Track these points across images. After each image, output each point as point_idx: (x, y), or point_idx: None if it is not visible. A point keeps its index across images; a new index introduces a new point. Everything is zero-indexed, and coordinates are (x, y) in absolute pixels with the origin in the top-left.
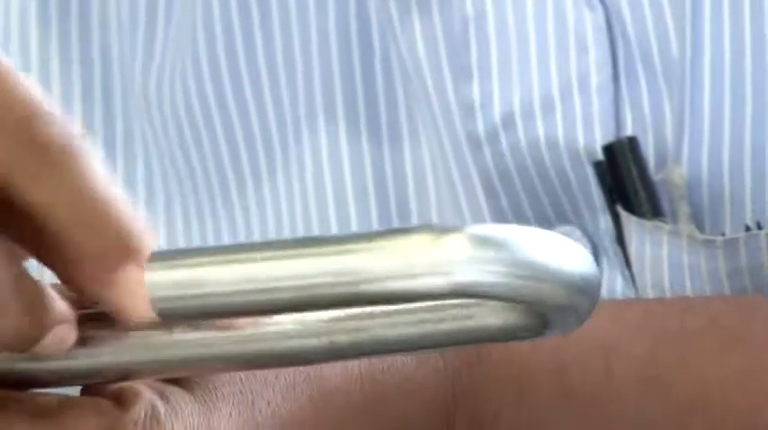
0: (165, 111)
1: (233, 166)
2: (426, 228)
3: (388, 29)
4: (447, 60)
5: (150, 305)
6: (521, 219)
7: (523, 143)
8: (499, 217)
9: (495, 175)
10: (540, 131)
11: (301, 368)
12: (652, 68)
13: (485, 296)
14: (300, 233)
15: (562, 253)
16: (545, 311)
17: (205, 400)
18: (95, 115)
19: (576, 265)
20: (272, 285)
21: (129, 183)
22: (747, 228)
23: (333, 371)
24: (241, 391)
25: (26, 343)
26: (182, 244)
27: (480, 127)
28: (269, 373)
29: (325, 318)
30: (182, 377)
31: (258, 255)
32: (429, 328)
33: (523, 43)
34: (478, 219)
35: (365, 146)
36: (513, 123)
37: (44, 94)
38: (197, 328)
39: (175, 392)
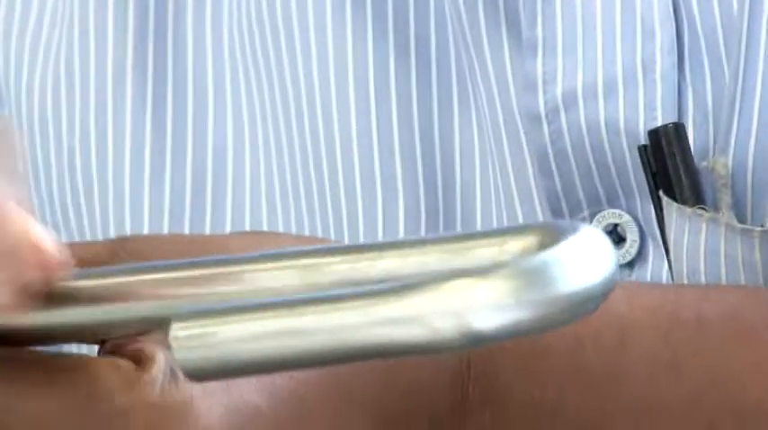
0: None
1: None
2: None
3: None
4: (507, 35)
5: None
6: (572, 199)
7: (583, 123)
8: (550, 195)
9: (551, 154)
10: (602, 113)
11: None
12: (717, 56)
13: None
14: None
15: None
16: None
17: None
18: None
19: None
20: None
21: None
22: None
23: None
24: None
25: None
26: None
27: (541, 103)
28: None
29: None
30: None
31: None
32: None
33: (590, 23)
34: (527, 197)
35: (415, 110)
36: (575, 102)
37: None
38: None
39: None
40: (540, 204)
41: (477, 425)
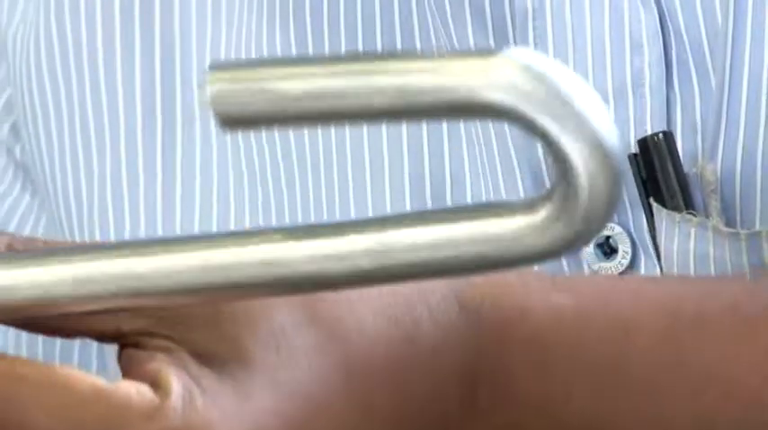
0: None
1: None
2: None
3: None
4: None
5: None
6: None
7: None
8: None
9: (544, 169)
10: None
11: (327, 331)
12: (704, 67)
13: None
14: None
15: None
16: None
17: (238, 383)
18: None
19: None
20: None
21: None
22: None
23: (360, 338)
24: (274, 369)
25: None
26: None
27: None
28: (298, 349)
29: (348, 242)
30: (212, 357)
31: (326, 69)
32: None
33: (580, 40)
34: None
35: (405, 136)
36: None
37: None
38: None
39: (208, 376)
40: None
41: (487, 426)
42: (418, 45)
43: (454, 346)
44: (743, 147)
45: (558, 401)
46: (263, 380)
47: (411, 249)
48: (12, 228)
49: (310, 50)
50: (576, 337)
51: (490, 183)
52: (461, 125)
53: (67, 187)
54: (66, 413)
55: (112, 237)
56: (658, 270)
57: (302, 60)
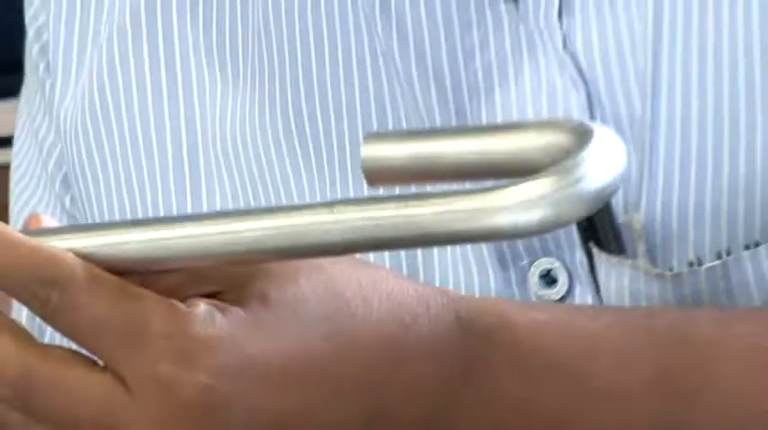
0: None
1: None
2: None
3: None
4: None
5: None
6: (515, 250)
7: None
8: (498, 247)
9: None
10: None
11: (340, 305)
12: (623, 132)
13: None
14: None
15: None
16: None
17: (257, 319)
18: None
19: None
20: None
21: None
22: (690, 264)
23: (365, 316)
24: (290, 323)
25: None
26: None
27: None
28: (312, 312)
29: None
30: (243, 301)
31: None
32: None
33: (522, 116)
34: (478, 247)
35: None
36: None
37: None
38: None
39: (233, 307)
40: (489, 255)
41: (469, 422)
42: (390, 118)
43: (446, 345)
44: (662, 200)
45: (534, 402)
46: (277, 323)
47: (431, 220)
48: None
49: (307, 129)
50: (551, 346)
51: None
52: None
53: None
54: (97, 302)
55: None
56: (590, 299)
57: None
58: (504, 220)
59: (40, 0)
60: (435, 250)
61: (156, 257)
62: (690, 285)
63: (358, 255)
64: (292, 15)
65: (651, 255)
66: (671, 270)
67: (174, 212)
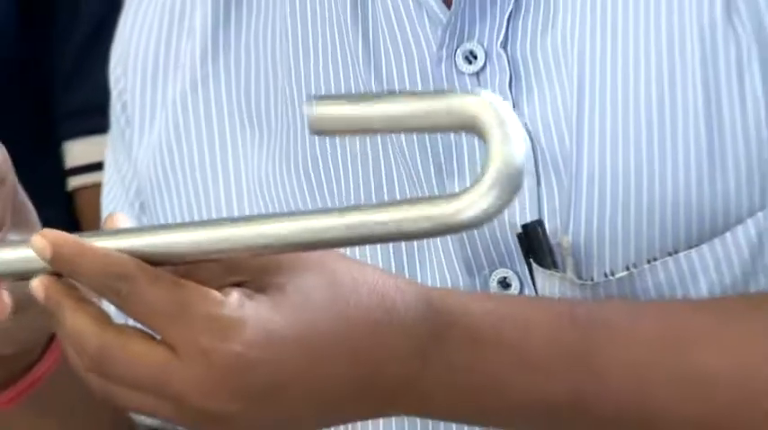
0: None
1: None
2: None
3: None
4: (435, 176)
5: None
6: (478, 262)
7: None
8: (465, 260)
9: (466, 239)
10: (502, 217)
11: (337, 293)
12: (559, 174)
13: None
14: None
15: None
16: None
17: (275, 304)
18: None
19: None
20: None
21: None
22: (606, 275)
23: (357, 303)
24: (301, 308)
25: None
26: None
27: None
28: (317, 300)
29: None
30: (265, 289)
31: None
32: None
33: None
34: (450, 261)
35: None
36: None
37: None
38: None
39: (258, 294)
40: (459, 265)
41: (437, 384)
42: (397, 189)
43: (418, 326)
44: (585, 226)
45: (480, 370)
46: (291, 307)
47: (412, 221)
48: None
49: (325, 194)
50: (496, 325)
51: None
52: None
53: None
54: (154, 291)
55: None
56: None
57: None
58: (464, 217)
59: (122, 68)
60: (417, 257)
61: (207, 250)
62: (604, 291)
63: (358, 256)
64: (309, 89)
65: (577, 269)
66: (591, 280)
67: None
